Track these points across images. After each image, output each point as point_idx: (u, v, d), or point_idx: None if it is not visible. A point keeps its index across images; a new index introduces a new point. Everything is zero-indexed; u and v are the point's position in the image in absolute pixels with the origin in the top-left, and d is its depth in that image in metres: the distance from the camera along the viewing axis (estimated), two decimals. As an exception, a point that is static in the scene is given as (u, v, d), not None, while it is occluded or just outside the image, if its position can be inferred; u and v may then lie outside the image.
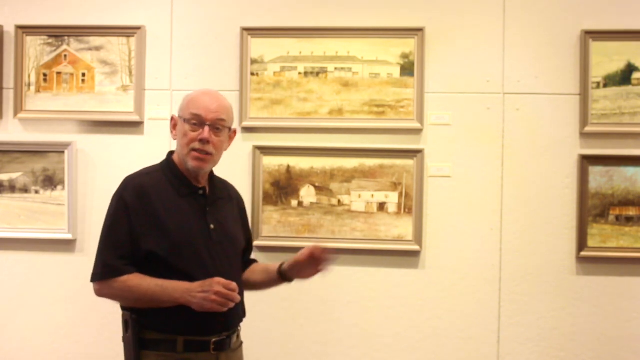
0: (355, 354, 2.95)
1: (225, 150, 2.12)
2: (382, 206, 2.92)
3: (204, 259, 2.01)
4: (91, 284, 2.02)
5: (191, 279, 1.96)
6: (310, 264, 2.12)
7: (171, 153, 2.13)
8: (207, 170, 2.09)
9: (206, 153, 2.02)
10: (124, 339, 2.01)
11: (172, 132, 2.11)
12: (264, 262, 2.40)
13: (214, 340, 2.00)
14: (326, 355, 2.95)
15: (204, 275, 1.96)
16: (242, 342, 2.18)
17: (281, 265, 2.19)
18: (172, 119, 2.11)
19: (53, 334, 3.04)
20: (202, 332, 1.99)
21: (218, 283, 1.93)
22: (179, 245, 1.98)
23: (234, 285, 1.95)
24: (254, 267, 2.31)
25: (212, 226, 2.05)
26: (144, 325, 1.98)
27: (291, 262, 2.16)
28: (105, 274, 1.98)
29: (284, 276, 2.18)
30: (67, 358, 3.04)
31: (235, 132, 2.16)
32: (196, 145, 2.01)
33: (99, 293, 2.02)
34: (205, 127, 2.00)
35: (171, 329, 1.97)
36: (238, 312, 2.08)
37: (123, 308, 2.04)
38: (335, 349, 2.95)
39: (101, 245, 2.01)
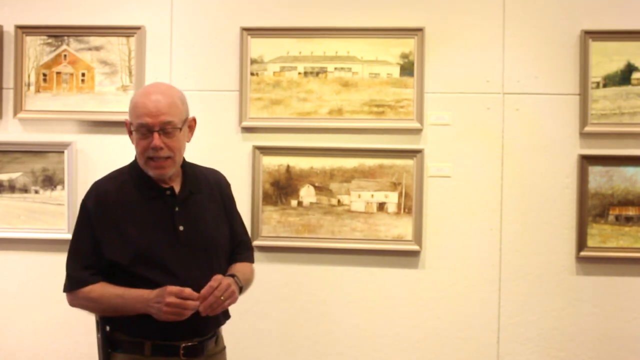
0: (355, 354, 2.95)
1: (188, 142, 2.02)
2: (381, 206, 2.92)
3: (170, 265, 1.92)
4: None
5: (158, 286, 1.88)
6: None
7: None
8: (171, 173, 1.98)
9: (164, 158, 1.92)
10: (97, 340, 2.00)
11: (130, 137, 1.99)
12: (243, 264, 2.16)
13: (183, 345, 1.94)
14: (326, 355, 2.95)
15: (170, 281, 1.88)
16: (224, 347, 2.11)
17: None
18: (127, 124, 1.98)
19: (53, 334, 3.04)
20: (170, 337, 1.93)
21: (169, 293, 1.83)
22: (141, 253, 1.91)
23: (187, 292, 1.84)
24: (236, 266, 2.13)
25: (181, 228, 1.96)
26: (113, 327, 1.96)
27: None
28: (70, 285, 1.96)
29: None
30: (67, 358, 3.04)
31: (194, 119, 2.03)
32: (150, 153, 1.91)
33: (71, 304, 2.00)
34: (154, 134, 1.88)
35: (138, 332, 1.93)
36: (215, 317, 1.97)
37: None
38: (336, 349, 2.95)
39: (68, 255, 1.99)
